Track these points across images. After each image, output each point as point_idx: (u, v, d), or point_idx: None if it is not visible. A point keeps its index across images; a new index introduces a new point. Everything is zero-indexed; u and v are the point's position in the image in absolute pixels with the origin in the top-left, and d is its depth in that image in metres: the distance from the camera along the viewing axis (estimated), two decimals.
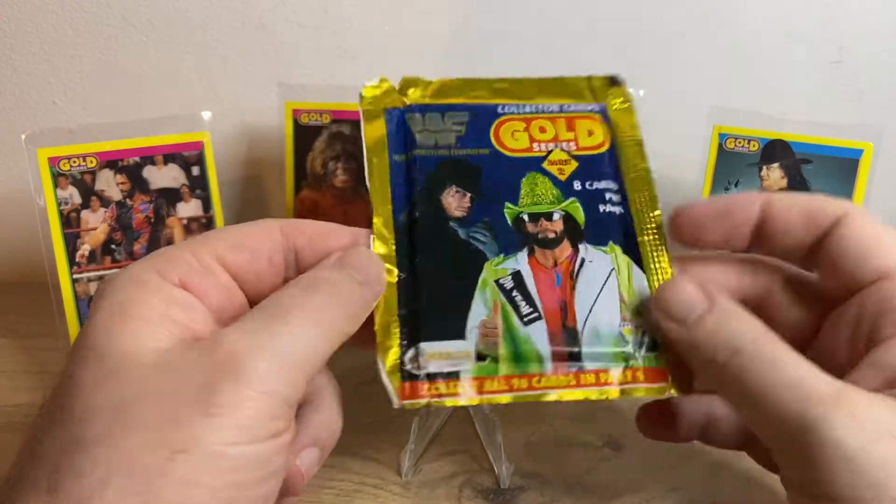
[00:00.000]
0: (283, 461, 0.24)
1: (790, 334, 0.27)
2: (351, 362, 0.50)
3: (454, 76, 0.37)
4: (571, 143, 0.34)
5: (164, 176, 0.48)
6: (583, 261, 0.32)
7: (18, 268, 0.62)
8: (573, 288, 0.31)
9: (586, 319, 0.30)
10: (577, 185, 0.33)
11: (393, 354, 0.29)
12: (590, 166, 0.34)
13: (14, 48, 0.57)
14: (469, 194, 0.33)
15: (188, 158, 0.48)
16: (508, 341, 0.30)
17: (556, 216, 0.32)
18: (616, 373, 0.29)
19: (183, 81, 0.58)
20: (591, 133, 0.35)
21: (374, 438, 0.43)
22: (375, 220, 0.32)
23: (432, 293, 0.30)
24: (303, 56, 0.58)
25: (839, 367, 0.25)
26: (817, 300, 0.30)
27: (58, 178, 0.46)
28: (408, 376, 0.29)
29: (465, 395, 0.29)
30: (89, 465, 0.21)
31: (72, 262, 0.46)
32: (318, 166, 0.53)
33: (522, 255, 0.31)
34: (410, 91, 0.36)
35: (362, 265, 0.28)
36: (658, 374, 0.30)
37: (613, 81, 0.37)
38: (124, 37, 0.57)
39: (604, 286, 0.31)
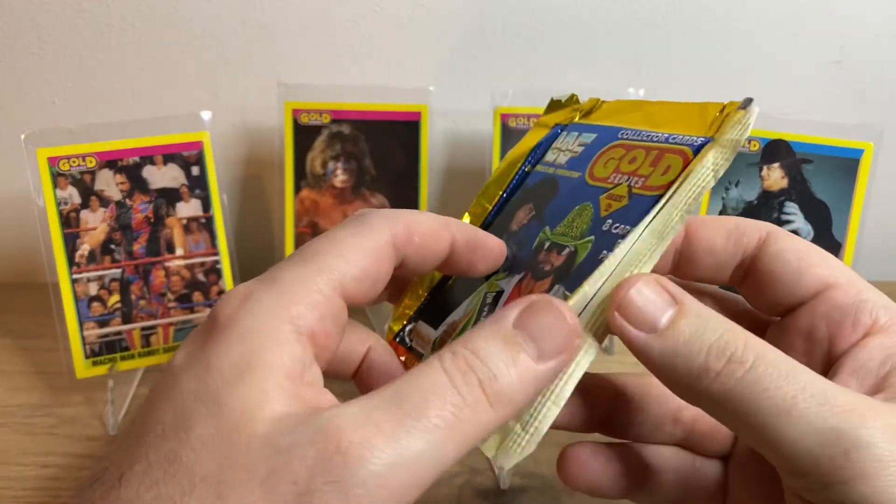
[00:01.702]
0: None
1: None
2: None
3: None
4: (641, 180, 0.29)
5: (163, 176, 0.48)
6: None
7: (18, 268, 0.62)
8: None
9: None
10: (605, 225, 0.28)
11: (402, 316, 0.33)
12: (633, 208, 0.28)
13: (14, 48, 0.57)
14: (533, 213, 0.32)
15: (188, 158, 0.48)
16: None
17: (564, 251, 0.29)
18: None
19: (183, 81, 0.58)
20: (667, 170, 0.28)
21: None
22: (471, 217, 0.34)
23: (452, 287, 0.33)
24: (303, 56, 0.58)
25: None
26: (747, 316, 0.30)
27: (57, 177, 0.46)
28: (400, 339, 0.33)
29: None
30: None
31: (71, 262, 0.46)
32: (318, 166, 0.53)
33: (515, 279, 0.31)
34: (588, 109, 0.34)
35: (546, 330, 0.23)
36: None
37: (744, 105, 0.28)
38: (124, 37, 0.57)
39: None
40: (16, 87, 0.58)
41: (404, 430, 0.20)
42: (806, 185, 0.50)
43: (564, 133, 0.34)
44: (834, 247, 0.50)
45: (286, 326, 0.23)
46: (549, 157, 0.34)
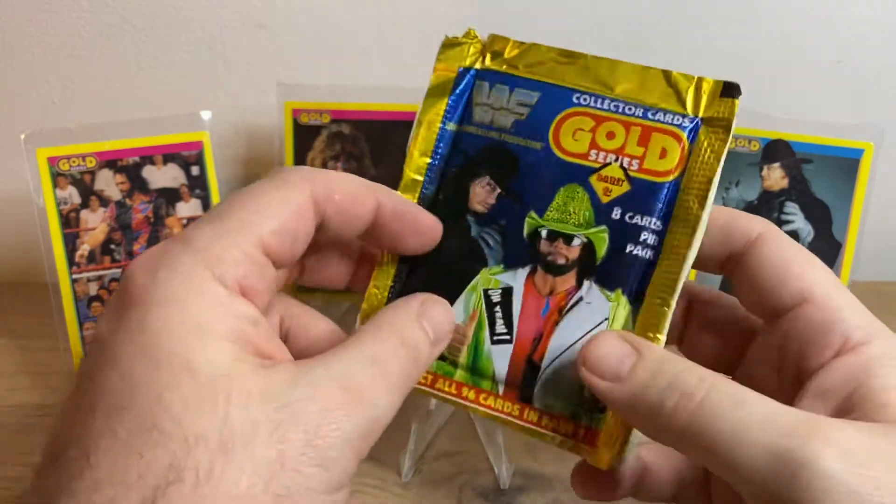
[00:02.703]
0: None
1: (710, 364, 0.26)
2: None
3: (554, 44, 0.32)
4: (635, 161, 0.29)
5: (163, 176, 0.48)
6: (580, 300, 0.29)
7: (18, 268, 0.62)
8: (556, 323, 0.29)
9: (553, 360, 0.29)
10: (615, 213, 0.29)
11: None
12: (642, 195, 0.28)
13: (14, 48, 0.57)
14: (498, 189, 0.30)
15: (188, 158, 0.48)
16: (471, 353, 0.30)
17: (575, 241, 0.29)
18: (558, 420, 0.29)
19: (183, 81, 0.58)
20: (664, 154, 0.28)
21: None
22: (402, 191, 0.31)
23: (423, 281, 0.30)
24: (303, 56, 0.58)
25: (770, 395, 0.24)
26: (734, 325, 0.30)
27: (57, 177, 0.46)
28: None
29: (419, 385, 0.30)
30: (193, 502, 0.20)
31: (71, 262, 0.46)
32: (318, 166, 0.53)
33: (522, 273, 0.29)
34: (494, 50, 0.31)
35: (440, 325, 0.27)
36: (590, 434, 0.28)
37: (728, 90, 0.29)
38: (124, 37, 0.57)
39: (587, 334, 0.28)
40: (16, 87, 0.58)
41: (376, 389, 0.24)
42: (806, 185, 0.50)
43: (484, 84, 0.31)
44: (834, 247, 0.50)
45: (214, 284, 0.23)
46: (480, 115, 0.31)
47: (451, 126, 0.31)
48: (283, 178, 0.27)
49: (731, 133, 0.28)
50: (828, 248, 0.50)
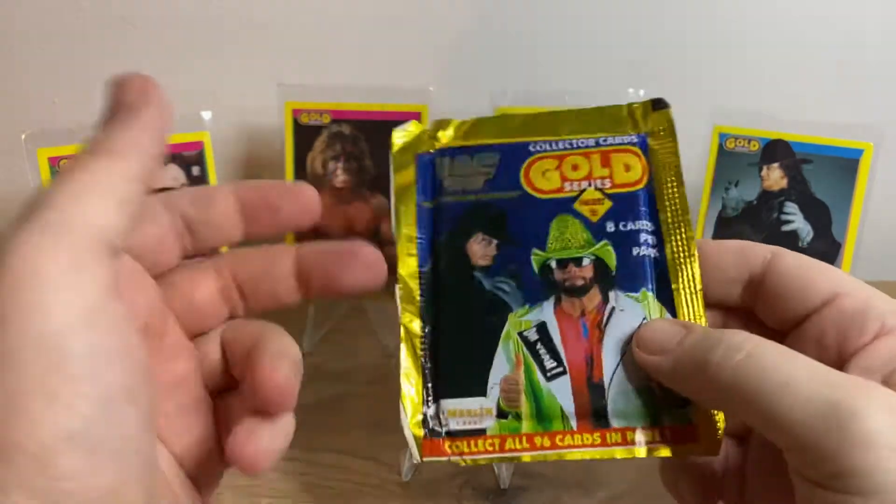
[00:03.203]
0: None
1: None
2: (352, 362, 0.50)
3: (487, 115, 0.35)
4: (606, 181, 0.31)
5: (163, 176, 0.48)
6: (612, 310, 0.30)
7: None
8: (600, 340, 0.29)
9: (613, 374, 0.29)
10: (609, 227, 0.31)
11: (416, 408, 0.30)
12: (625, 205, 0.31)
13: (14, 48, 0.57)
14: (495, 241, 0.31)
15: (188, 158, 0.48)
16: (531, 398, 0.29)
17: (585, 262, 0.30)
18: (643, 431, 0.28)
19: (183, 81, 0.58)
20: (628, 168, 0.32)
21: (374, 438, 0.43)
22: (401, 272, 0.31)
23: (455, 348, 0.30)
24: (303, 56, 0.58)
25: None
26: (768, 333, 0.31)
27: None
28: (430, 432, 0.29)
29: (487, 453, 0.29)
30: None
31: None
32: (318, 166, 0.53)
33: (548, 305, 0.30)
34: (441, 133, 0.33)
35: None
36: (685, 431, 0.28)
37: (656, 105, 0.33)
38: (124, 37, 0.57)
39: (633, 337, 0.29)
40: (16, 87, 0.58)
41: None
42: (806, 185, 0.50)
43: (444, 159, 0.33)
44: (834, 247, 0.50)
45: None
46: (450, 185, 0.32)
47: (426, 204, 0.32)
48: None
49: (676, 135, 0.32)
50: (827, 248, 0.50)
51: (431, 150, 0.33)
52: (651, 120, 0.32)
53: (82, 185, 0.21)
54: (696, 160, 0.51)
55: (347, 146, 0.52)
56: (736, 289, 0.30)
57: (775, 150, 0.50)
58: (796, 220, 0.50)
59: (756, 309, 0.30)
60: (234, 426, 0.24)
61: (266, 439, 0.24)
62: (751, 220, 0.51)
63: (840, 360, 0.27)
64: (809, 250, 0.50)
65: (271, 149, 0.57)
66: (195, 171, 0.48)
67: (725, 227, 0.51)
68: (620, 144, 0.32)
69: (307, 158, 0.53)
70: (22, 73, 0.57)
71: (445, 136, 0.33)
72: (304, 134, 0.52)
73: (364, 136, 0.53)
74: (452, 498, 0.39)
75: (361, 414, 0.41)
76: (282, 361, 0.24)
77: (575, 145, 0.32)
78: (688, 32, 0.58)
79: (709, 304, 0.31)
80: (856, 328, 0.27)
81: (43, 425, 0.19)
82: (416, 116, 0.53)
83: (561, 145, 0.32)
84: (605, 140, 0.32)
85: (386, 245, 0.30)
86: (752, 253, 0.30)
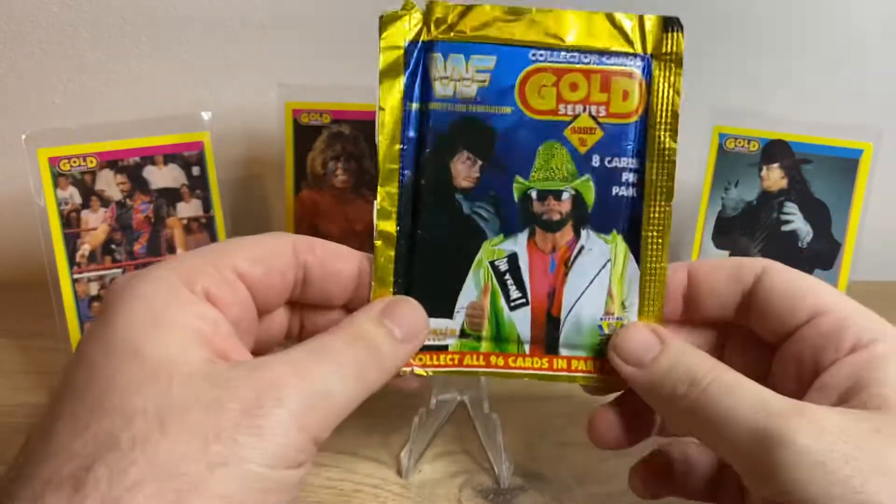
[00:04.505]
0: (298, 492, 0.24)
1: None
2: None
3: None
4: (602, 108, 0.31)
5: (164, 176, 0.48)
6: (581, 248, 0.31)
7: (18, 268, 0.62)
8: (565, 275, 0.31)
9: (571, 310, 0.31)
10: (595, 161, 0.31)
11: None
12: (614, 139, 0.31)
13: (14, 48, 0.57)
14: (480, 162, 0.31)
15: (188, 158, 0.48)
16: (493, 323, 0.31)
17: (565, 196, 0.31)
18: (586, 361, 0.31)
19: (183, 81, 0.58)
20: (626, 96, 0.31)
21: (374, 438, 0.43)
22: (380, 188, 0.31)
23: (427, 270, 0.31)
24: (303, 56, 0.58)
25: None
26: (763, 346, 0.32)
27: (58, 178, 0.46)
28: None
29: (446, 367, 0.31)
30: (125, 466, 0.20)
31: (72, 262, 0.46)
32: (318, 166, 0.53)
33: (522, 237, 0.31)
34: (436, 18, 0.31)
35: (405, 321, 0.29)
36: None
37: (668, 25, 0.31)
38: (124, 37, 0.57)
39: (595, 278, 0.31)
40: (16, 87, 0.58)
41: (326, 372, 0.25)
42: (805, 185, 0.50)
43: (436, 56, 0.31)
44: (833, 247, 0.50)
45: (182, 289, 0.26)
46: (441, 90, 0.31)
47: (413, 106, 0.31)
48: (269, 233, 0.30)
49: (682, 64, 0.31)
50: (827, 248, 0.50)
51: (424, 39, 0.31)
52: (660, 41, 0.31)
53: None
54: (695, 160, 0.51)
55: (347, 146, 0.52)
56: (731, 307, 0.31)
57: (775, 150, 0.50)
58: (796, 221, 0.50)
59: (749, 323, 0.31)
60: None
61: None
62: (750, 221, 0.51)
63: (814, 377, 0.28)
64: (809, 250, 0.50)
65: (271, 149, 0.57)
66: (195, 171, 0.48)
67: (725, 227, 0.51)
68: (623, 66, 0.31)
69: (307, 158, 0.53)
70: (22, 73, 0.57)
71: (439, 22, 0.31)
72: (304, 134, 0.52)
73: (364, 136, 0.53)
74: (452, 498, 0.39)
75: (361, 413, 0.41)
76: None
77: (577, 59, 0.31)
78: (687, 32, 0.58)
79: (706, 323, 0.33)
80: (831, 346, 0.28)
81: None
82: None
83: (563, 56, 0.31)
84: (608, 58, 0.31)
85: None
86: (744, 271, 0.31)
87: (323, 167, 0.53)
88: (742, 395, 0.26)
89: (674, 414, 0.28)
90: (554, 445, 0.43)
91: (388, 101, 0.31)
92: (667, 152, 0.31)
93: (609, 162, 0.31)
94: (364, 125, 0.53)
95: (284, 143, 0.52)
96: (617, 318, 0.31)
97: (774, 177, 0.50)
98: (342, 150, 0.53)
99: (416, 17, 0.31)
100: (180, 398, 0.22)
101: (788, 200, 0.50)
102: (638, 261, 0.31)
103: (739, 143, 0.50)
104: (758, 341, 0.32)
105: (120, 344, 0.23)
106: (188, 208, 0.48)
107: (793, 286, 0.30)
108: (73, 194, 0.46)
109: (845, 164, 0.49)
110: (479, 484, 0.40)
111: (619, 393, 0.32)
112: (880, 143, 0.48)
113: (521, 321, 0.31)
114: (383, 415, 0.44)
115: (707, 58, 0.59)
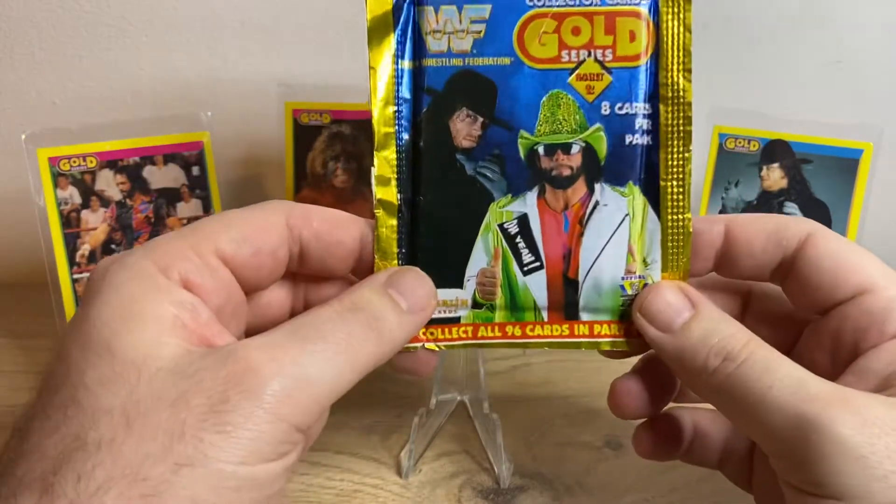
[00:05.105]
0: (285, 482, 0.23)
1: None
2: None
3: None
4: (608, 52, 0.28)
5: (164, 176, 0.48)
6: (596, 204, 0.29)
7: (18, 268, 0.62)
8: (581, 235, 0.29)
9: (588, 271, 0.29)
10: (605, 109, 0.29)
11: None
12: (624, 83, 0.29)
13: (14, 48, 0.57)
14: (480, 119, 0.29)
15: (188, 158, 0.48)
16: (506, 290, 0.29)
17: (574, 149, 0.29)
18: (610, 325, 0.29)
19: (183, 81, 0.58)
20: (633, 37, 0.28)
21: (374, 438, 0.43)
22: (377, 149, 0.29)
23: (432, 238, 0.29)
24: (303, 56, 0.58)
25: (822, 377, 0.25)
26: (789, 316, 0.30)
27: (58, 178, 0.46)
28: None
29: (460, 340, 0.29)
30: (90, 469, 0.20)
31: (72, 262, 0.46)
32: (318, 166, 0.53)
33: (532, 196, 0.29)
34: None
35: (411, 290, 0.27)
36: None
37: None
38: (124, 37, 0.57)
39: (613, 235, 0.29)
40: (16, 87, 0.58)
41: (306, 353, 0.23)
42: (805, 185, 0.50)
43: (427, 9, 0.29)
44: None
45: (158, 276, 0.24)
46: (434, 44, 0.29)
47: (405, 64, 0.30)
48: (260, 204, 0.28)
49: (692, 2, 0.29)
50: None
51: None
52: None
53: None
54: (696, 160, 0.51)
55: (347, 146, 0.52)
56: (767, 271, 0.29)
57: (775, 150, 0.50)
58: None
59: (784, 288, 0.30)
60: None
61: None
62: None
63: (852, 357, 0.27)
64: None
65: (271, 149, 0.57)
66: (195, 171, 0.48)
67: None
68: (627, 5, 0.29)
69: (307, 158, 0.53)
70: (22, 73, 0.57)
71: None
72: (304, 134, 0.52)
73: (364, 136, 0.53)
74: (452, 498, 0.39)
75: (361, 413, 0.41)
76: None
77: (578, 2, 0.29)
78: None
79: (731, 283, 0.31)
80: (874, 329, 0.26)
81: None
82: None
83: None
84: None
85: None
86: (788, 234, 0.28)
87: (323, 167, 0.53)
88: (780, 375, 0.24)
89: (702, 387, 0.26)
90: (554, 445, 0.43)
91: (379, 61, 0.30)
92: (681, 93, 0.29)
93: (620, 108, 0.29)
94: (364, 125, 0.53)
95: (284, 143, 0.52)
96: (639, 277, 0.29)
97: (775, 177, 0.50)
98: (342, 150, 0.53)
99: None
100: (147, 396, 0.21)
101: (789, 200, 0.50)
102: (658, 213, 0.29)
103: (739, 143, 0.50)
104: (787, 310, 0.30)
105: (95, 338, 0.23)
106: (188, 208, 0.48)
107: (840, 258, 0.28)
108: (72, 194, 0.46)
109: (845, 164, 0.49)
110: (479, 484, 0.40)
111: (638, 358, 0.31)
112: (880, 143, 0.48)
113: (536, 286, 0.29)
114: (383, 415, 0.44)
115: (707, 57, 0.59)
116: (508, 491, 0.40)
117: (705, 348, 0.26)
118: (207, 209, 0.49)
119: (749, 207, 0.50)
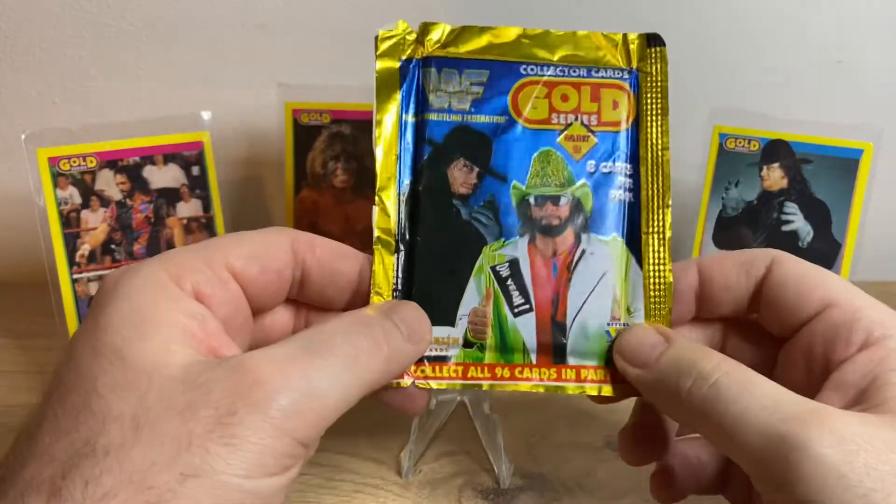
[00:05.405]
0: (285, 496, 0.24)
1: None
2: None
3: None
4: (593, 117, 0.32)
5: (164, 176, 0.48)
6: (583, 252, 0.31)
7: (18, 268, 0.62)
8: (569, 280, 0.31)
9: (576, 315, 0.31)
10: (590, 167, 0.32)
11: None
12: (608, 145, 0.32)
13: (14, 48, 0.57)
14: (477, 169, 0.31)
15: (188, 158, 0.48)
16: (496, 331, 0.31)
17: (563, 201, 0.31)
18: (596, 370, 0.30)
19: (183, 81, 0.58)
20: (616, 105, 0.32)
21: (374, 438, 0.43)
22: (379, 191, 0.31)
23: (427, 276, 0.31)
24: (303, 56, 0.58)
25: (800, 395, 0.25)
26: (768, 339, 0.31)
27: (58, 178, 0.46)
28: None
29: (449, 379, 0.30)
30: (98, 474, 0.20)
31: (72, 262, 0.46)
32: (318, 166, 0.53)
33: (523, 242, 0.31)
34: (428, 37, 0.33)
35: (413, 323, 0.28)
36: None
37: (652, 41, 0.33)
38: (124, 37, 0.57)
39: (599, 282, 0.31)
40: (16, 87, 0.58)
41: (315, 367, 0.24)
42: (806, 185, 0.50)
43: (431, 70, 0.32)
44: (834, 247, 0.50)
45: (171, 285, 0.25)
46: (436, 101, 0.32)
47: (409, 118, 0.32)
48: (267, 228, 0.29)
49: (668, 76, 0.32)
50: (827, 248, 0.50)
51: (418, 56, 0.33)
52: (645, 56, 0.33)
53: None
54: (696, 160, 0.51)
55: (347, 146, 0.52)
56: (744, 301, 0.30)
57: (775, 150, 0.50)
58: (796, 220, 0.50)
59: (758, 316, 0.30)
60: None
61: None
62: (751, 220, 0.51)
63: (826, 372, 0.27)
64: (809, 250, 0.50)
65: (271, 149, 0.57)
66: (195, 171, 0.48)
67: (725, 227, 0.51)
68: (611, 79, 0.32)
69: (307, 158, 0.53)
70: (22, 73, 0.57)
71: (432, 42, 0.33)
72: (304, 134, 0.52)
73: (364, 135, 0.53)
74: (452, 498, 0.39)
75: (361, 414, 0.41)
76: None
77: (567, 73, 0.32)
78: (688, 32, 0.58)
79: (717, 318, 0.32)
80: (841, 340, 0.27)
81: None
82: None
83: (552, 70, 0.32)
84: (596, 72, 0.32)
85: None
86: (755, 263, 0.30)
87: (323, 167, 0.53)
88: (754, 393, 0.24)
89: (682, 413, 0.27)
90: (554, 446, 0.43)
91: (384, 115, 0.32)
92: (660, 157, 0.32)
93: (605, 168, 0.32)
94: (364, 125, 0.53)
95: (284, 143, 0.52)
96: (623, 325, 0.30)
97: (775, 177, 0.50)
98: (342, 150, 0.53)
99: (411, 37, 0.33)
100: (157, 404, 0.22)
101: (789, 200, 0.50)
102: (640, 264, 0.31)
103: (740, 142, 0.50)
104: (762, 335, 0.31)
105: (108, 344, 0.23)
106: (188, 208, 0.48)
107: (802, 277, 0.29)
108: (72, 194, 0.46)
109: (845, 164, 0.49)
110: (479, 484, 0.40)
111: (631, 404, 0.31)
112: (880, 143, 0.48)
113: (525, 328, 0.31)
114: (383, 415, 0.44)
115: (707, 58, 0.59)
116: (509, 491, 0.40)
117: (677, 371, 0.26)
118: (207, 209, 0.49)
119: (749, 207, 0.50)
